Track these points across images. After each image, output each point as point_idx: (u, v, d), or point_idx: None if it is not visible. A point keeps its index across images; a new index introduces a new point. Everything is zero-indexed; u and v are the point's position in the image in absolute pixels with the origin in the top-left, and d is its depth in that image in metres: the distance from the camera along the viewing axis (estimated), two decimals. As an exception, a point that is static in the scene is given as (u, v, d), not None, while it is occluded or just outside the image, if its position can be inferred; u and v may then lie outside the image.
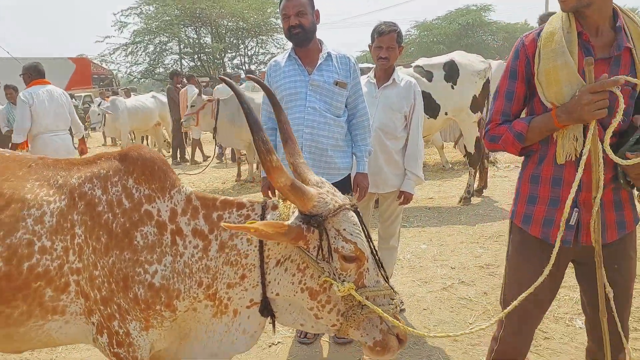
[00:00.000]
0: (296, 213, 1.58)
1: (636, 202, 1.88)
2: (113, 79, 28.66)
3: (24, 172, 1.73)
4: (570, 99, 1.70)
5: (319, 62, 2.87)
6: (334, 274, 1.57)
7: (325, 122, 2.85)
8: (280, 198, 1.71)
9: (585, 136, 1.72)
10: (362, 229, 1.62)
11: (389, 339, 1.60)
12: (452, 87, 6.19)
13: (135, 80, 29.30)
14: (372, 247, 1.65)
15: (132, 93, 15.93)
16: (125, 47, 27.10)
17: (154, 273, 1.59)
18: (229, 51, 29.34)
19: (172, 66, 28.23)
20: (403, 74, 3.51)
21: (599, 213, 1.75)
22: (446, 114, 6.22)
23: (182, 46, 28.84)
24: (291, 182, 1.51)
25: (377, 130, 3.34)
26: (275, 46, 29.95)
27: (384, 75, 3.42)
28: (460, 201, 6.36)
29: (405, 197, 3.39)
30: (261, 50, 30.17)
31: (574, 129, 1.74)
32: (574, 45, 1.72)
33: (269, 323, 1.74)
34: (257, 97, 8.93)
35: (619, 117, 1.63)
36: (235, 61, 30.17)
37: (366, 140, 3.02)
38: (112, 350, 1.67)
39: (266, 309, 1.68)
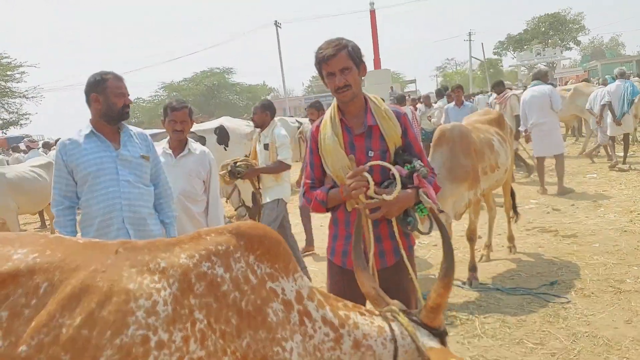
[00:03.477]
0: (423, 331, 1.71)
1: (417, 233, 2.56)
2: None
3: (114, 260, 1.48)
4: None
5: (122, 138, 3.00)
6: None
7: (139, 192, 2.99)
8: (400, 312, 1.77)
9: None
10: None
11: None
12: (225, 149, 6.77)
13: None
14: None
15: None
16: None
17: (291, 350, 1.52)
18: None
19: None
20: (196, 144, 3.89)
21: (375, 258, 2.35)
22: (223, 174, 6.72)
23: None
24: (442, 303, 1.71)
25: (179, 197, 3.61)
26: (8, 111, 26.56)
27: (179, 145, 3.74)
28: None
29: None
30: (-11, 116, 26.47)
31: None
32: (338, 127, 2.42)
33: None
34: (7, 171, 8.06)
35: (371, 188, 2.25)
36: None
37: (171, 207, 3.26)
38: None
39: None
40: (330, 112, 2.48)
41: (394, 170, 2.29)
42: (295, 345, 1.53)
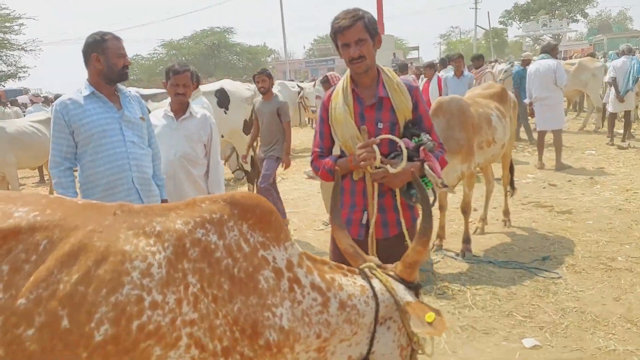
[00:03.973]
0: (400, 286, 1.78)
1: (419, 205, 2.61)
2: None
3: (111, 222, 1.52)
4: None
5: (122, 99, 3.00)
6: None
7: (144, 153, 3.03)
8: (378, 268, 1.86)
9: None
10: None
11: None
12: (225, 113, 6.73)
13: None
14: None
15: None
16: None
17: (280, 316, 1.58)
18: None
19: None
20: (198, 107, 3.88)
21: (374, 230, 2.44)
22: (222, 136, 6.71)
23: None
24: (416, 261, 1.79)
25: (180, 159, 3.62)
26: (6, 63, 26.19)
27: (181, 108, 3.72)
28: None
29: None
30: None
31: None
32: (350, 98, 2.44)
33: None
34: (7, 125, 8.01)
35: (377, 161, 2.32)
36: None
37: (161, 170, 3.31)
38: None
39: None
40: (343, 82, 2.49)
41: (401, 143, 2.33)
42: (284, 311, 1.59)
